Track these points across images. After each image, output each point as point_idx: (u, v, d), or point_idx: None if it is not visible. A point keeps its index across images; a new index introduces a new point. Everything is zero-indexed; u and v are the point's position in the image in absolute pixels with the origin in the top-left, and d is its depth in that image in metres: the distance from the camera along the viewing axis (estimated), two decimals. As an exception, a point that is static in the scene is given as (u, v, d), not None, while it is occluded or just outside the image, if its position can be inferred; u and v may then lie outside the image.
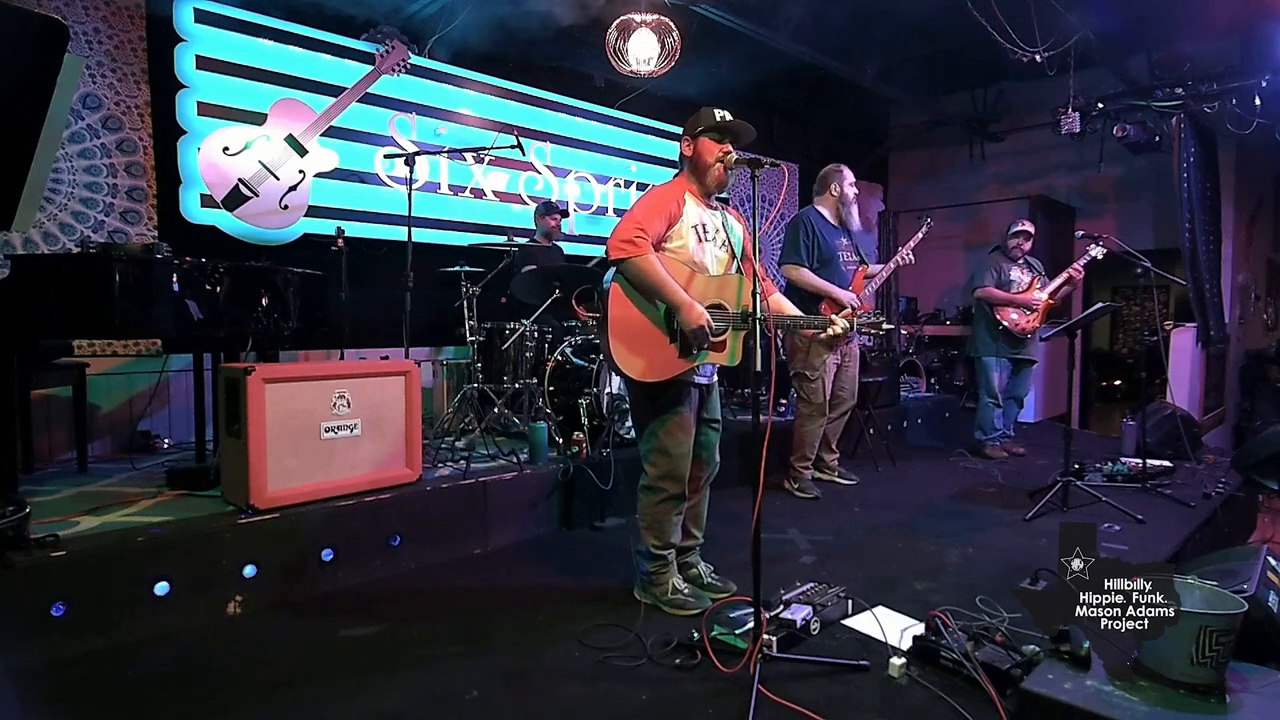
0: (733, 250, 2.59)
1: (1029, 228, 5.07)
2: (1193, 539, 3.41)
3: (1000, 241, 5.16)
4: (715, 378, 2.64)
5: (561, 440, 3.72)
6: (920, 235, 4.29)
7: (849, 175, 4.11)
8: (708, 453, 2.64)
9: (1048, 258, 5.96)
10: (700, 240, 2.46)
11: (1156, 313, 4.96)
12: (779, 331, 2.76)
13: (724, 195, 2.61)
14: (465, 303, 4.21)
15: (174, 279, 2.81)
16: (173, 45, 4.14)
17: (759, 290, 2.08)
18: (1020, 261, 5.07)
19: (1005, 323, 4.91)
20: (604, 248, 2.38)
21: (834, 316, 2.46)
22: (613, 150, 6.37)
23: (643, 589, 2.59)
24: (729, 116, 2.45)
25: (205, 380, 3.38)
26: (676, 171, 2.62)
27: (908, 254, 4.16)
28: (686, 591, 2.54)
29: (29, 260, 2.81)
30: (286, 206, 4.57)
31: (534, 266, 4.35)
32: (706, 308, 2.33)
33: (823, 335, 2.47)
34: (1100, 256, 4.64)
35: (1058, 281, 4.86)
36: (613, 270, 2.41)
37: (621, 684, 2.04)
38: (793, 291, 3.97)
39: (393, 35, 4.93)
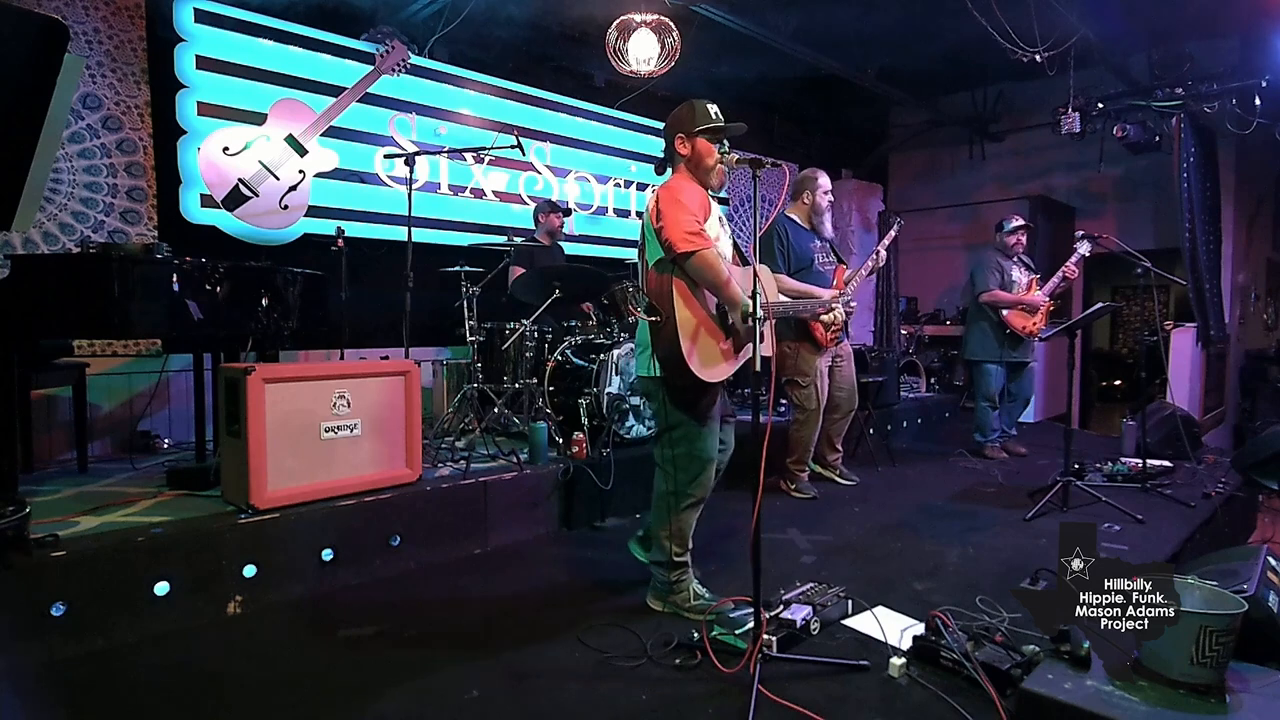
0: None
1: (1024, 221, 5.06)
2: (1193, 539, 3.41)
3: (998, 240, 5.06)
4: None
5: (561, 440, 3.72)
6: (892, 234, 4.51)
7: (824, 183, 4.06)
8: (726, 450, 2.61)
9: (1047, 258, 5.96)
10: (718, 237, 2.42)
11: (1156, 313, 4.95)
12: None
13: (723, 195, 2.62)
14: (465, 303, 4.21)
15: (174, 279, 2.80)
16: (173, 45, 4.14)
17: (758, 289, 2.07)
18: (1017, 260, 5.06)
19: (1012, 326, 4.87)
20: (664, 244, 2.21)
21: (826, 298, 2.46)
22: (613, 150, 6.36)
23: (660, 598, 2.50)
24: (720, 114, 2.38)
25: (205, 380, 3.37)
26: (659, 162, 2.49)
27: (882, 254, 4.25)
28: (708, 596, 2.48)
29: (29, 260, 2.81)
30: (286, 206, 4.57)
31: (521, 270, 4.37)
32: None
33: (823, 315, 2.47)
34: (1087, 253, 4.67)
35: (1054, 282, 4.85)
36: (654, 266, 2.27)
37: (622, 684, 2.04)
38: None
39: (393, 35, 4.92)
